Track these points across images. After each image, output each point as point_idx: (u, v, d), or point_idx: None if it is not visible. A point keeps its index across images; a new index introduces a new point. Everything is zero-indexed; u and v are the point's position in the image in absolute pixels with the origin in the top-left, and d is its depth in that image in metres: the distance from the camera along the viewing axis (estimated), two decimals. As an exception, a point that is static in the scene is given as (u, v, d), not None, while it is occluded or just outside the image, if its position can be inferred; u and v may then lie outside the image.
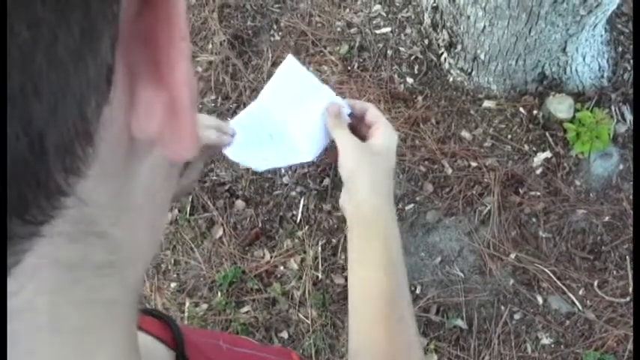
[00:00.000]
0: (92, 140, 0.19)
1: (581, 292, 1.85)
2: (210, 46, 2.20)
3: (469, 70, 2.01)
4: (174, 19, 0.21)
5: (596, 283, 1.85)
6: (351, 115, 0.82)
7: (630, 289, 1.83)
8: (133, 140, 0.22)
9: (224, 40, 2.18)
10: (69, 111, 0.18)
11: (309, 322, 1.84)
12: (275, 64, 2.16)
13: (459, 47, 1.99)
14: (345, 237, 1.89)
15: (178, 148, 0.22)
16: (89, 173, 0.20)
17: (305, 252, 1.90)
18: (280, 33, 2.21)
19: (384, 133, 0.77)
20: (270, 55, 2.16)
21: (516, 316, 1.84)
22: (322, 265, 1.88)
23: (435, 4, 2.05)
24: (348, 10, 2.23)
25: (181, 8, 0.21)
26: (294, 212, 1.95)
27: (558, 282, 1.85)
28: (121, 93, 0.21)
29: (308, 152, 0.82)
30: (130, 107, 0.21)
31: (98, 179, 0.21)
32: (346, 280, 1.86)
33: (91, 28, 0.18)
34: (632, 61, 2.02)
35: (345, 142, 0.76)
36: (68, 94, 0.18)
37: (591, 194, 1.93)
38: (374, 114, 0.80)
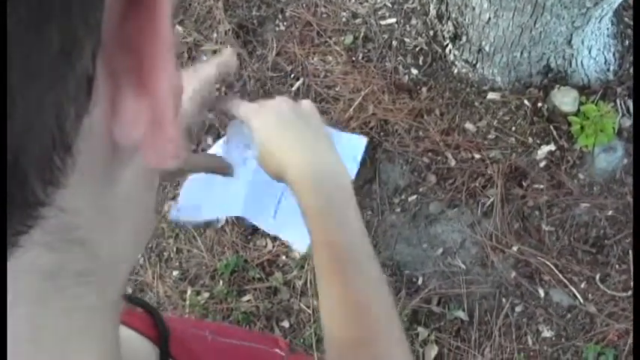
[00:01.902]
0: (71, 151, 0.19)
1: (583, 286, 1.84)
2: (214, 35, 2.20)
3: (474, 62, 2.01)
4: (159, 27, 0.20)
5: (598, 277, 1.84)
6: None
7: (632, 283, 1.83)
8: (115, 146, 0.22)
9: (229, 30, 2.18)
10: (47, 124, 0.17)
11: (310, 311, 1.85)
12: (279, 54, 2.16)
13: (464, 39, 1.98)
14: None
15: (162, 156, 0.22)
16: (68, 183, 0.19)
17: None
18: (285, 23, 2.21)
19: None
20: (275, 45, 2.16)
21: (517, 309, 1.84)
22: (324, 255, 1.88)
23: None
24: (353, 0, 2.22)
25: (168, 17, 0.20)
26: (297, 202, 1.95)
27: (560, 275, 1.85)
28: (102, 101, 0.20)
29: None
30: (112, 115, 0.21)
31: (78, 187, 0.20)
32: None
33: (72, 39, 0.17)
34: (632, 58, 2.01)
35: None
36: (46, 108, 0.17)
37: (595, 188, 1.92)
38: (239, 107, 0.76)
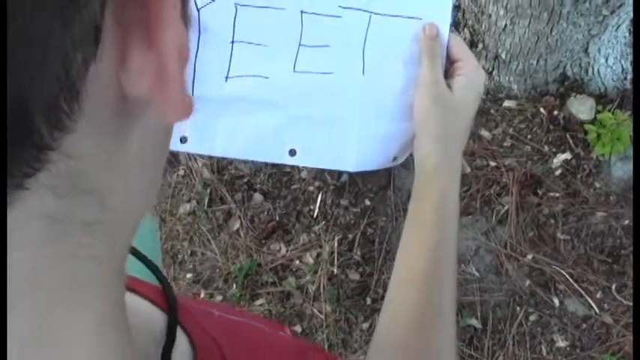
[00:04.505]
0: (78, 96, 0.19)
1: (598, 296, 1.83)
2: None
3: (490, 70, 2.01)
4: None
5: (614, 287, 1.83)
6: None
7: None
8: (125, 98, 0.22)
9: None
10: (53, 66, 0.18)
11: (323, 316, 1.85)
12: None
13: (480, 46, 1.99)
14: (361, 233, 1.90)
15: (167, 111, 0.23)
16: (76, 128, 0.20)
17: (321, 247, 1.91)
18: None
19: (466, 81, 0.68)
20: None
21: (532, 318, 1.82)
22: (338, 260, 1.88)
23: (457, 3, 2.05)
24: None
25: None
26: (312, 207, 1.96)
27: (575, 284, 1.83)
28: (110, 51, 0.21)
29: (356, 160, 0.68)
30: (120, 66, 0.21)
31: (86, 134, 0.21)
32: (361, 275, 1.87)
33: None
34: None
35: (428, 81, 0.66)
36: (52, 50, 0.18)
37: (611, 197, 1.90)
38: (460, 47, 0.69)
